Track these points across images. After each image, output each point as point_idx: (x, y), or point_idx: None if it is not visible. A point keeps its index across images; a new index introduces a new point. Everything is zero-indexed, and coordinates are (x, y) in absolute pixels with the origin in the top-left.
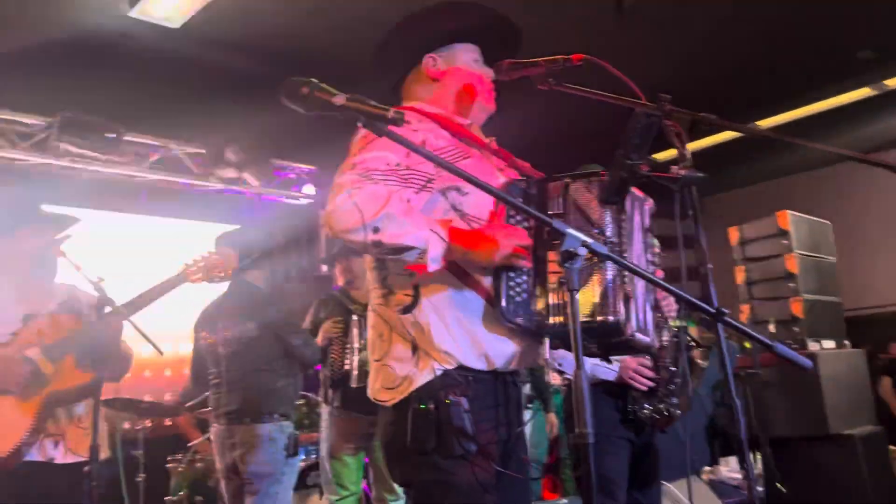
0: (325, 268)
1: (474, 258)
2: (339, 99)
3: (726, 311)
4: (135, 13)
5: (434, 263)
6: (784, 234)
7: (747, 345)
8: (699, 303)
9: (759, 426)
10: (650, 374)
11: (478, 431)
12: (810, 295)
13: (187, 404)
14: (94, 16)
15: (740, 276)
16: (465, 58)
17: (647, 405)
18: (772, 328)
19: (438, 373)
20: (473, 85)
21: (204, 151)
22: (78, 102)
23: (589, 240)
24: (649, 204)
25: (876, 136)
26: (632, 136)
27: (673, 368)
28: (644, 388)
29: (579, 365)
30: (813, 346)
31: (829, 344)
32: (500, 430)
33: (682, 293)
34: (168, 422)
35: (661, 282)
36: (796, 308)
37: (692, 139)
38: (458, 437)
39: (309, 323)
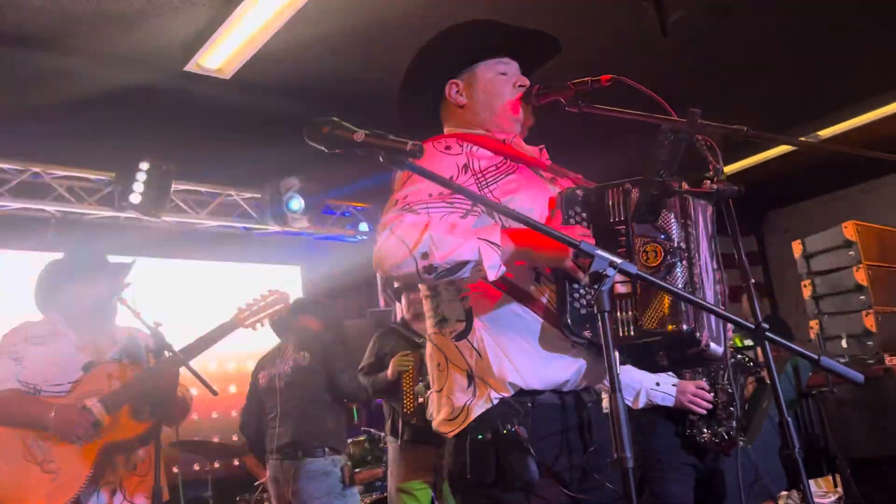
0: (383, 302)
1: (540, 255)
2: (359, 136)
3: (766, 326)
4: (189, 68)
5: (492, 271)
6: (851, 245)
7: None
8: (738, 319)
9: (839, 446)
10: (709, 396)
11: (542, 459)
12: (883, 307)
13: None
14: (150, 74)
15: (807, 290)
16: (487, 75)
17: (706, 429)
18: (844, 343)
19: (495, 401)
20: (497, 102)
21: (260, 196)
22: (140, 157)
23: (618, 260)
24: (710, 210)
25: None
26: (659, 153)
27: (730, 390)
28: (703, 412)
29: (614, 388)
30: (890, 360)
31: None
32: (570, 454)
33: (717, 310)
34: (236, 462)
35: (696, 299)
36: (869, 321)
37: (751, 153)
38: (519, 469)
39: (372, 356)
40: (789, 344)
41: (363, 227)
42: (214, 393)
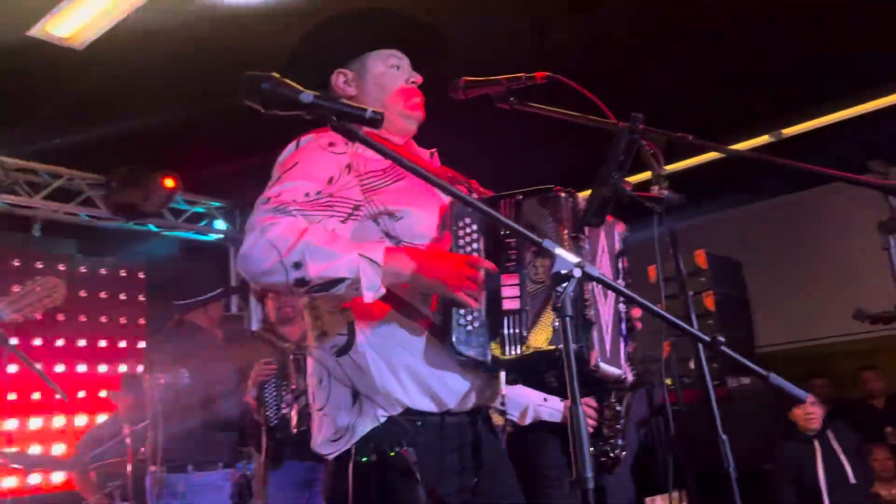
0: (234, 307)
1: (419, 281)
2: (307, 96)
3: (722, 339)
4: (33, 33)
5: (370, 292)
6: (702, 272)
7: (669, 381)
8: (692, 329)
9: (687, 463)
10: (594, 414)
11: (429, 482)
12: (727, 332)
13: (90, 455)
14: None
15: None
16: (378, 68)
17: (591, 448)
18: (692, 365)
19: (382, 420)
20: (389, 95)
21: (105, 181)
22: None
23: (583, 261)
24: (620, 227)
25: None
26: (617, 153)
27: (619, 408)
28: (589, 430)
29: (574, 400)
30: (732, 382)
31: (746, 380)
32: (462, 476)
33: (669, 317)
34: (61, 478)
35: (647, 304)
36: None
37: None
38: (405, 495)
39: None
40: (742, 359)
41: (219, 224)
42: (66, 399)
